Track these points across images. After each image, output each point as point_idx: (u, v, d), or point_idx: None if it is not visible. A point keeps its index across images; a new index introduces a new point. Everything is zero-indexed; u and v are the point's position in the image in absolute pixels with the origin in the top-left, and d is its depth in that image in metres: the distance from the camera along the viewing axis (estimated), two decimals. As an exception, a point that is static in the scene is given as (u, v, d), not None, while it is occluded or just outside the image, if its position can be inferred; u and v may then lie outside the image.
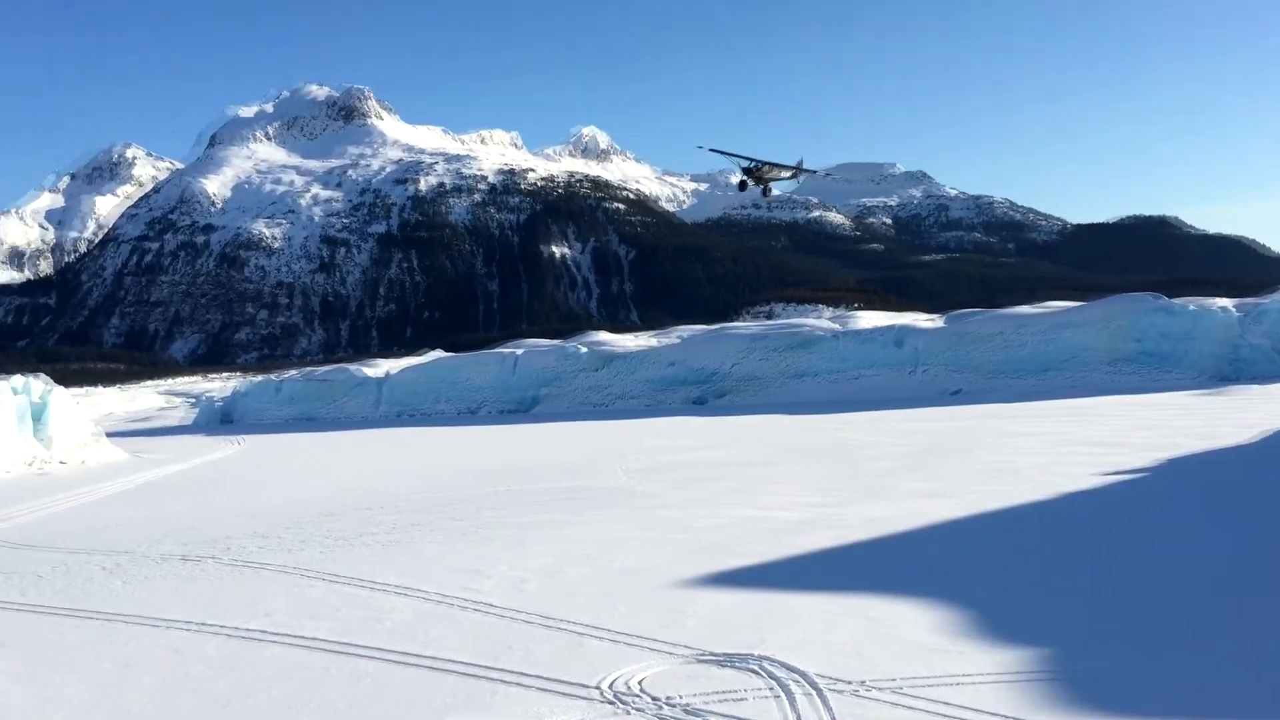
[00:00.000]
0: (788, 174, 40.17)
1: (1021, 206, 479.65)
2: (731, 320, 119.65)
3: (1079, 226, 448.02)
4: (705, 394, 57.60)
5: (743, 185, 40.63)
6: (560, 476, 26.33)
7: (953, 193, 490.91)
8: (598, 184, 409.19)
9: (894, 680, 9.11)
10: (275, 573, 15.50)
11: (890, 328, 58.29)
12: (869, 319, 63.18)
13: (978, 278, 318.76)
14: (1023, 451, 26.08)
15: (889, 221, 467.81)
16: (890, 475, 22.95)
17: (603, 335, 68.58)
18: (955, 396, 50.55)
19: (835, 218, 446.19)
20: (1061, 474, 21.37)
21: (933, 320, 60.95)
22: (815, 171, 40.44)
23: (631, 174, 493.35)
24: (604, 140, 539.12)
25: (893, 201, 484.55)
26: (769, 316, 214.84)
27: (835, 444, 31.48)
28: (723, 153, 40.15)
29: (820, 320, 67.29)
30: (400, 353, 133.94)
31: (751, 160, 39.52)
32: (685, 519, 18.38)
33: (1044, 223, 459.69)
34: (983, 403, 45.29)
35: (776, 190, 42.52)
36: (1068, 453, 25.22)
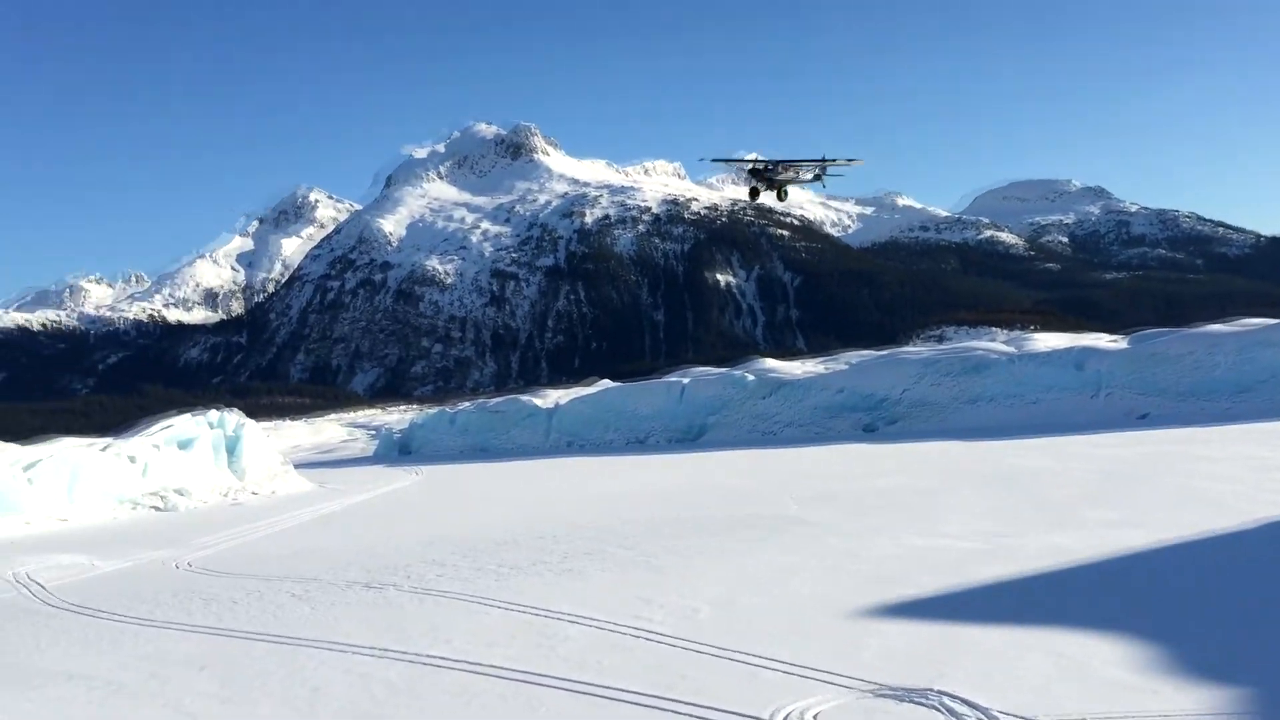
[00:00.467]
0: (809, 174, 34.96)
1: (1210, 220, 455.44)
2: (901, 345, 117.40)
3: (1277, 240, 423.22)
4: (875, 420, 56.57)
5: (753, 193, 35.14)
6: (729, 505, 26.21)
7: (1133, 208, 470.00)
8: (761, 211, 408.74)
9: (1083, 719, 8.69)
10: (453, 600, 15.88)
11: (1070, 349, 56.07)
12: (1046, 341, 60.86)
13: (1163, 296, 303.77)
14: (1219, 478, 24.62)
15: (1065, 240, 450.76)
16: (1073, 503, 22.00)
17: (769, 362, 68.15)
18: (1142, 421, 48.19)
19: (1007, 237, 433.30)
20: (1264, 501, 20.09)
21: (1116, 341, 58.28)
22: (837, 160, 34.41)
23: (795, 199, 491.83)
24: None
25: (1069, 219, 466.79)
26: (939, 341, 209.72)
27: (1012, 471, 30.41)
28: (725, 160, 36.62)
29: (994, 343, 65.30)
30: (568, 383, 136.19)
31: (760, 161, 34.47)
32: (858, 548, 18.03)
33: (1235, 236, 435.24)
34: (1172, 427, 43.05)
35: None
36: (1270, 479, 23.70)
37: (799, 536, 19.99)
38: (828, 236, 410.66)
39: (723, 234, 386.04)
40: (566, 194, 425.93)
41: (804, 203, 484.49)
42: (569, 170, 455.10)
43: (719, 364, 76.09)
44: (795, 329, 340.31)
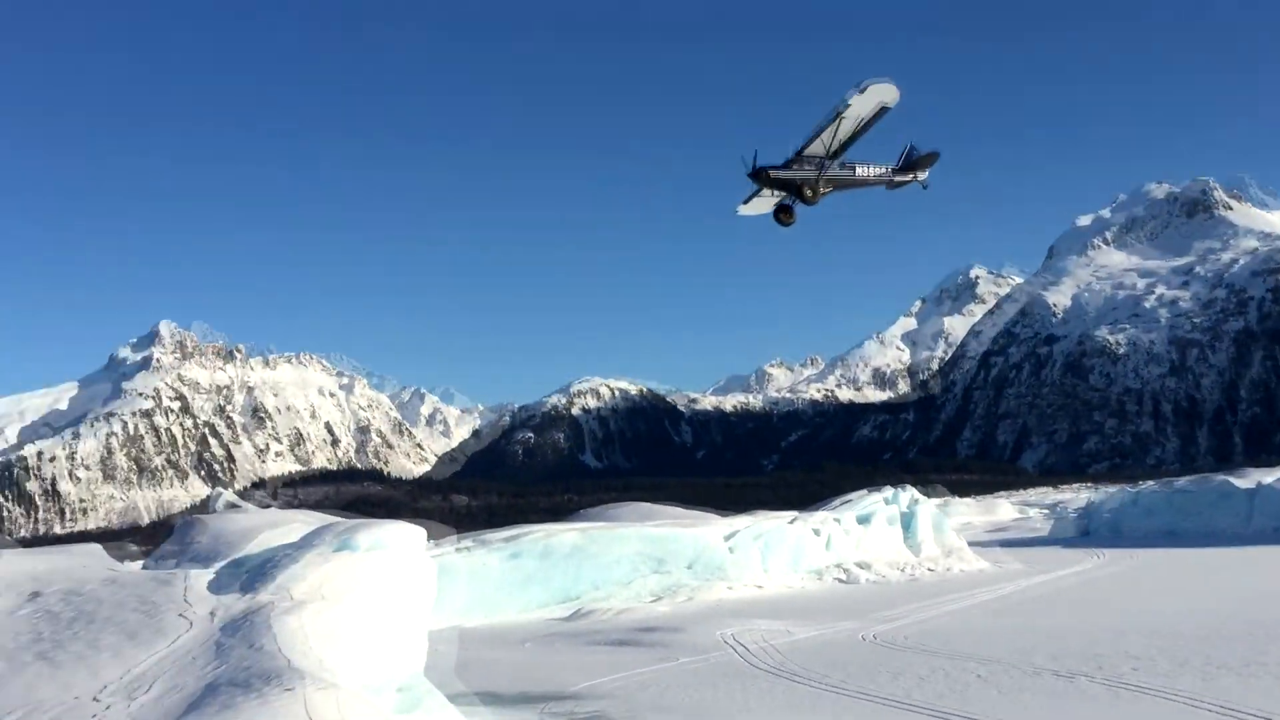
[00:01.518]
0: (875, 168, 22.04)
1: None
2: None
3: None
4: None
5: (781, 213, 22.46)
6: None
7: None
8: None
9: None
10: (1153, 697, 14.70)
11: None
12: None
13: None
14: None
15: None
16: None
17: None
18: None
19: None
20: None
21: None
22: (851, 104, 19.55)
23: None
24: None
25: None
26: None
27: None
28: (755, 194, 22.28)
29: None
30: (1272, 461, 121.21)
31: (782, 162, 21.36)
32: None
33: None
34: None
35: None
36: None
37: None
38: None
39: None
40: (1257, 250, 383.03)
41: None
42: (1260, 224, 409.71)
43: None
44: None
